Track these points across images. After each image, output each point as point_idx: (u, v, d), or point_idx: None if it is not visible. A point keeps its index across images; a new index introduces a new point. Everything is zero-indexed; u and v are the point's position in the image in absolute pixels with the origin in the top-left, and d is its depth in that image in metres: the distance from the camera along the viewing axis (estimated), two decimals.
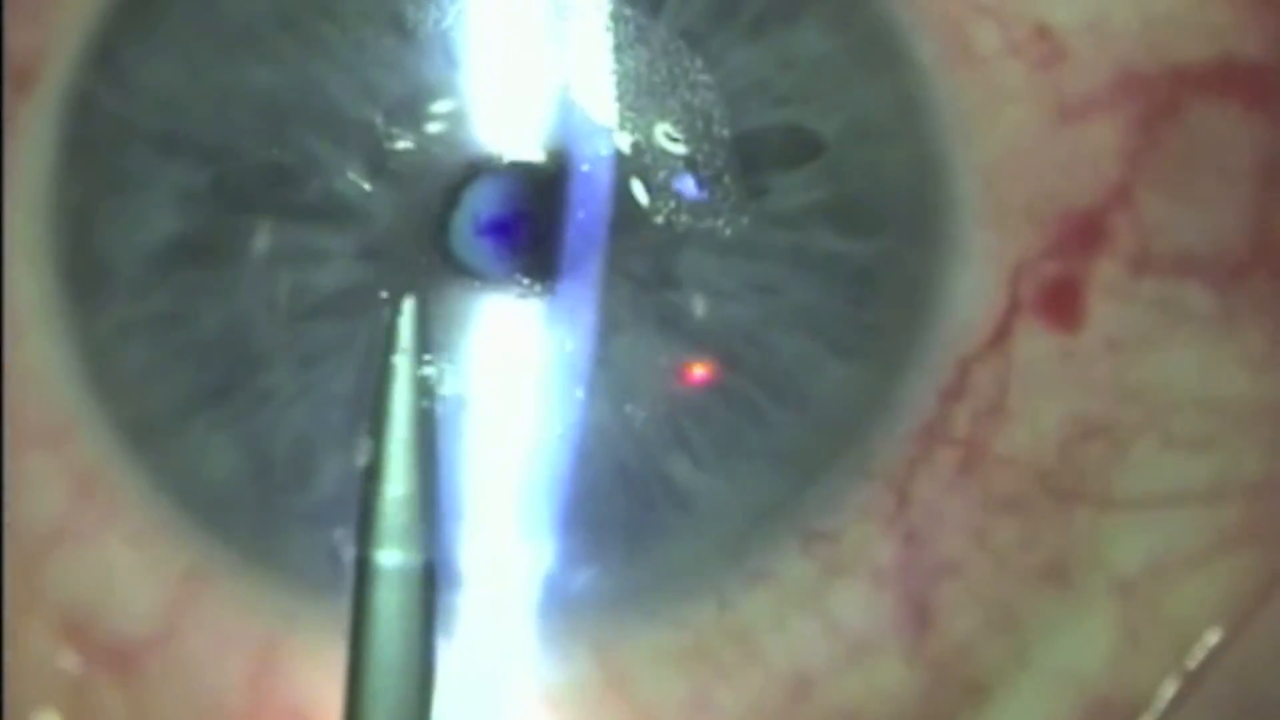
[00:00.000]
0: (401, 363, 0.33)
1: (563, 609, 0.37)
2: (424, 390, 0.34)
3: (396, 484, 0.33)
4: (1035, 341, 0.37)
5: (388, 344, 0.33)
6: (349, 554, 0.36)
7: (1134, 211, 0.36)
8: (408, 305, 0.32)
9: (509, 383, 0.37)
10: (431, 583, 0.33)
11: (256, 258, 0.37)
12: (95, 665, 0.37)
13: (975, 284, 0.37)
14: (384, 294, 0.36)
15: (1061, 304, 0.37)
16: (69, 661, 0.37)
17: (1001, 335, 0.37)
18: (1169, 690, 0.36)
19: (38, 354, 0.37)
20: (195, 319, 0.37)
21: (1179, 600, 0.37)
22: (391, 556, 0.32)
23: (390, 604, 0.32)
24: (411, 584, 0.32)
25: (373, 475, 0.33)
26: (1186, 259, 0.37)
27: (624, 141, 0.37)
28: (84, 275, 0.37)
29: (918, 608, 0.37)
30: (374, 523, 0.32)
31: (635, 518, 0.37)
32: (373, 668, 0.32)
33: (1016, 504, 0.37)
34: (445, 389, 0.36)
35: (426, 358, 0.34)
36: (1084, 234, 0.37)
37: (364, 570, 0.32)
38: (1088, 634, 0.37)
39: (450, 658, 0.36)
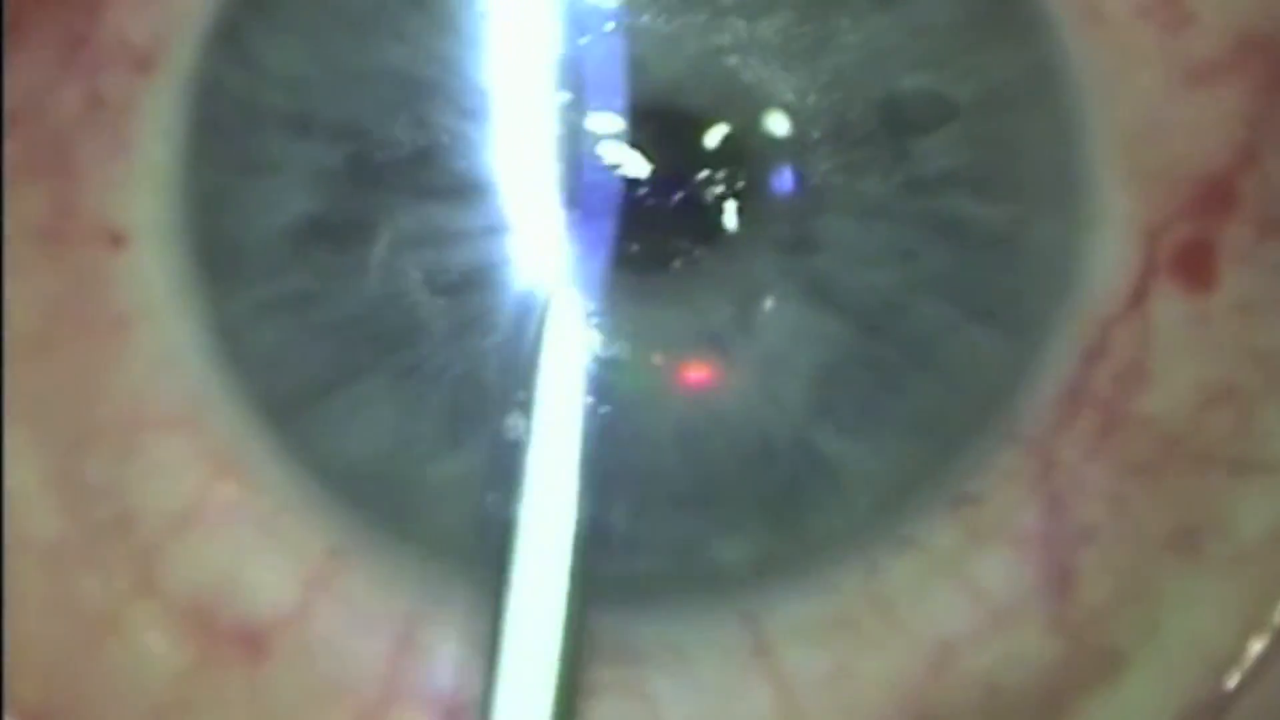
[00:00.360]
0: (553, 345, 0.33)
1: (710, 579, 0.37)
2: (575, 366, 0.34)
3: (547, 455, 0.33)
4: (1171, 304, 0.37)
5: (540, 324, 0.33)
6: (492, 528, 0.36)
7: (1261, 174, 0.36)
8: (558, 296, 0.32)
9: (652, 354, 0.36)
10: (582, 550, 0.32)
11: (391, 236, 0.37)
12: (222, 649, 0.37)
13: (1112, 247, 0.37)
14: (516, 277, 0.36)
15: (1195, 267, 0.37)
16: (188, 647, 0.37)
17: (1139, 298, 0.37)
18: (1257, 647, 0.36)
19: (171, 336, 0.37)
20: (330, 298, 0.37)
21: None
22: (543, 523, 0.32)
23: (539, 571, 0.32)
24: (562, 550, 0.32)
25: (524, 445, 0.33)
26: None
27: (761, 108, 0.36)
28: (217, 258, 0.37)
29: (1059, 574, 0.37)
30: (525, 490, 0.32)
31: (781, 487, 0.37)
32: (518, 635, 0.32)
33: (1152, 468, 0.37)
34: (587, 364, 0.36)
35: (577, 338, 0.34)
36: (1214, 197, 0.37)
37: (511, 536, 0.32)
38: (1217, 602, 0.37)
39: (594, 629, 0.36)
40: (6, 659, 0.36)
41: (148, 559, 0.37)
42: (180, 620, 0.37)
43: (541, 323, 0.34)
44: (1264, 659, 0.37)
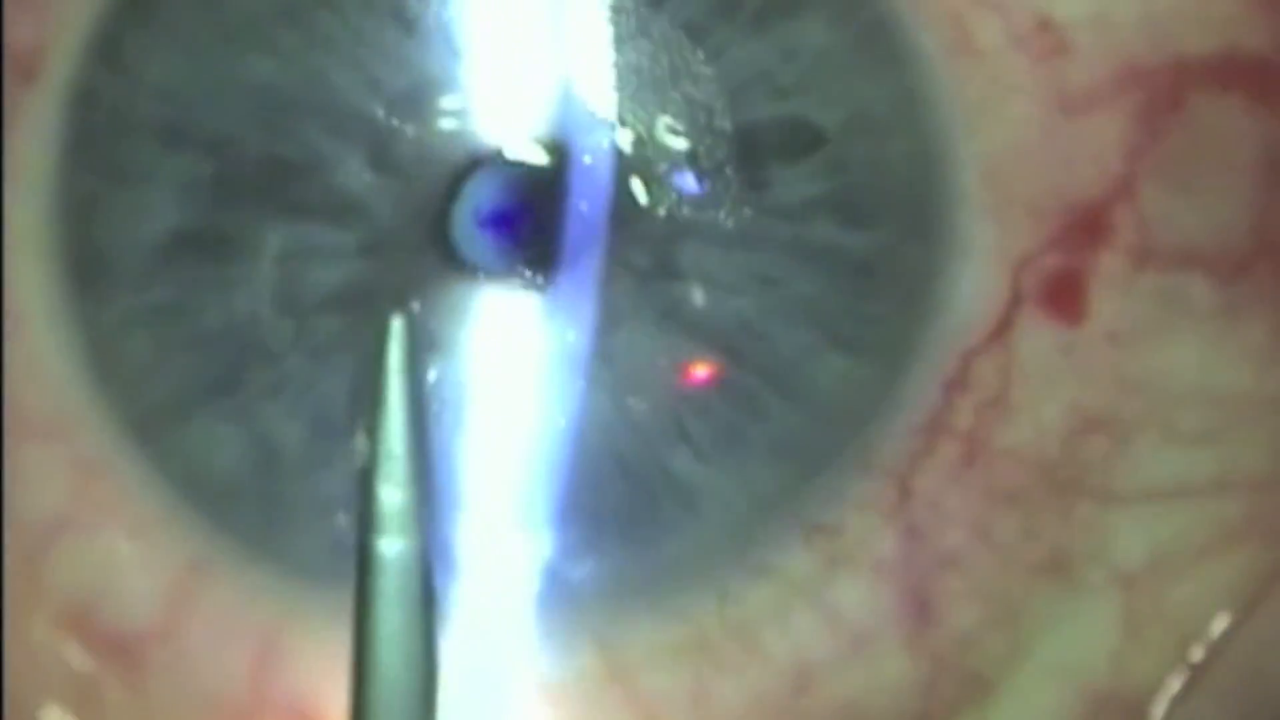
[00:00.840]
0: (394, 371, 0.33)
1: (564, 602, 0.37)
2: (420, 388, 0.34)
3: (394, 476, 0.33)
4: (1037, 335, 0.37)
5: (380, 351, 0.33)
6: (351, 545, 0.36)
7: (1136, 205, 0.36)
8: (397, 323, 0.32)
9: (510, 376, 0.37)
10: (430, 570, 0.33)
11: (260, 250, 0.37)
12: (98, 657, 0.37)
13: (977, 277, 0.37)
14: (383, 297, 0.36)
15: (1064, 297, 0.37)
16: (72, 653, 0.37)
17: (1004, 328, 0.37)
18: (1174, 684, 0.36)
19: (40, 345, 0.37)
20: (198, 311, 0.37)
21: (1182, 594, 0.37)
22: (392, 544, 0.32)
23: (391, 591, 0.32)
24: (411, 571, 0.32)
25: (370, 469, 0.33)
26: (1189, 252, 0.37)
27: (625, 134, 0.37)
28: (87, 267, 0.37)
29: (919, 600, 0.37)
30: (373, 512, 0.32)
31: (636, 511, 0.37)
32: (377, 658, 0.32)
33: (1018, 497, 0.37)
34: (446, 383, 0.36)
35: (424, 360, 0.34)
36: (1086, 227, 0.37)
37: (365, 558, 0.32)
38: (1090, 628, 0.37)
39: (450, 650, 0.36)
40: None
41: (30, 565, 0.37)
42: (64, 626, 0.38)
43: (393, 343, 0.34)
44: (1142, 684, 0.37)
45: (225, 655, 0.37)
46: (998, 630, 0.37)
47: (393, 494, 0.31)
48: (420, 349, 0.32)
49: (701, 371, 0.37)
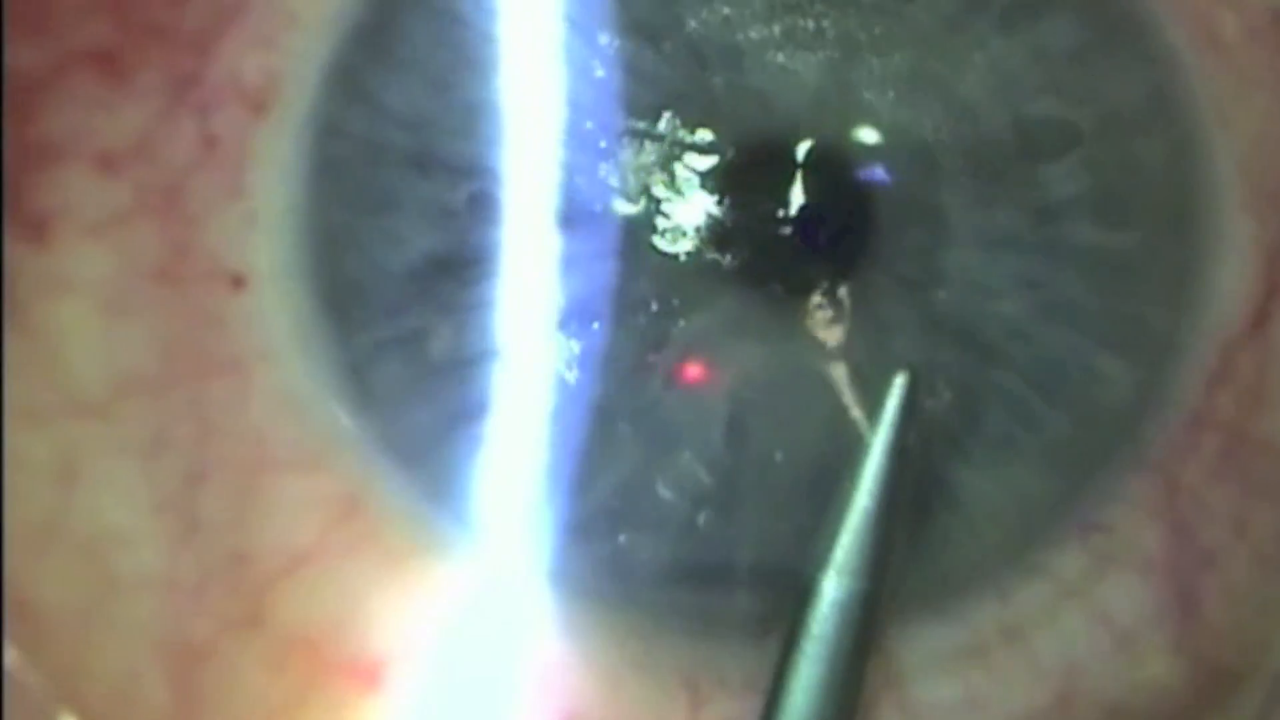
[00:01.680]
0: (887, 425, 0.33)
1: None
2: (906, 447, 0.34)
3: (858, 527, 0.33)
4: None
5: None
6: (623, 565, 0.36)
7: None
8: (900, 379, 0.33)
9: (783, 390, 0.37)
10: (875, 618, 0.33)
11: (514, 271, 0.37)
12: (334, 680, 0.37)
13: (1235, 270, 0.37)
14: (636, 309, 0.36)
15: None
16: (293, 678, 0.37)
17: (1262, 320, 0.37)
18: None
19: (295, 377, 0.37)
20: (452, 336, 0.37)
21: None
22: (839, 585, 0.33)
23: (828, 631, 0.33)
24: (854, 614, 0.33)
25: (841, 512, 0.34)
26: None
27: (883, 141, 0.37)
28: (339, 296, 0.37)
29: (1183, 598, 0.37)
30: (830, 549, 0.33)
31: (911, 519, 0.37)
32: (800, 692, 0.33)
33: (1272, 491, 0.37)
34: (721, 397, 0.36)
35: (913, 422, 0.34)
36: None
37: (809, 595, 0.33)
38: None
39: (722, 662, 0.36)
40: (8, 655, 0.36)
41: (259, 596, 0.38)
42: (288, 652, 0.38)
43: (893, 397, 0.34)
44: None
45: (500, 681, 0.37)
46: (1248, 626, 0.37)
47: (854, 540, 0.32)
48: (914, 411, 0.32)
49: (967, 378, 0.37)
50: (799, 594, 0.34)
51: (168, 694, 0.38)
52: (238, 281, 0.37)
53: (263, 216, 0.37)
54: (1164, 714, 0.37)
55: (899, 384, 0.33)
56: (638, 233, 0.37)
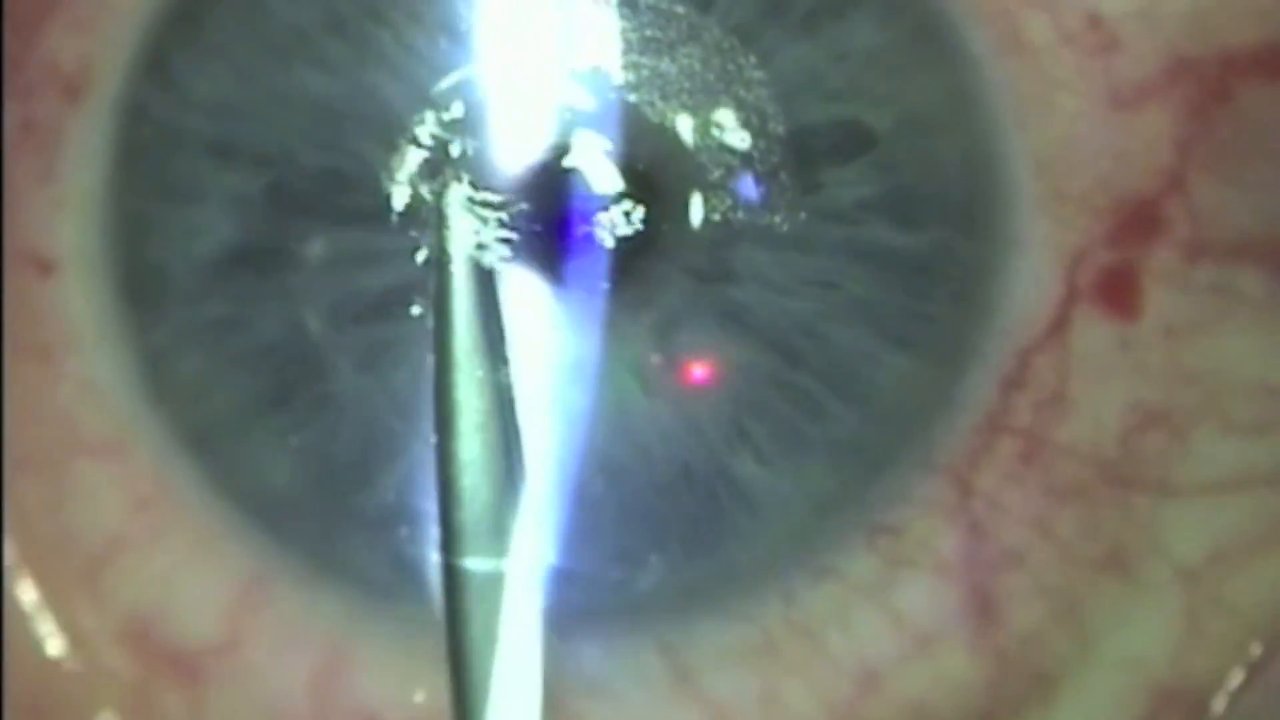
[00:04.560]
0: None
1: (629, 608, 0.37)
2: (496, 385, 0.34)
3: (462, 486, 0.33)
4: (1094, 330, 0.37)
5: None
6: (412, 556, 0.36)
7: (1188, 198, 0.36)
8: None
9: (568, 381, 0.36)
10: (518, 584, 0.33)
11: (311, 262, 0.37)
12: (157, 673, 0.37)
13: (1032, 274, 0.36)
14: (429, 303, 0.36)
15: (1119, 292, 0.36)
16: (129, 670, 0.37)
17: (1060, 325, 0.37)
18: (1236, 678, 0.36)
19: (95, 365, 0.37)
20: (252, 325, 0.37)
21: (1242, 586, 0.37)
22: (479, 563, 0.32)
23: (480, 610, 0.32)
24: (499, 588, 0.32)
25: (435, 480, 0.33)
26: (1242, 244, 0.36)
27: (679, 140, 0.36)
28: (140, 284, 0.37)
29: (982, 599, 0.37)
30: (457, 528, 0.32)
31: (699, 516, 0.37)
32: (473, 675, 0.32)
33: (1078, 493, 0.37)
34: (506, 391, 0.36)
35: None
36: (1139, 222, 0.36)
37: (452, 578, 0.32)
38: (1152, 623, 0.37)
39: (515, 660, 0.36)
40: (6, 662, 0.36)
41: (89, 581, 0.38)
42: (122, 642, 0.38)
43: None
44: (1205, 679, 0.37)
45: (286, 670, 0.37)
46: (1061, 627, 0.37)
47: (466, 505, 0.31)
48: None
49: (758, 375, 0.37)
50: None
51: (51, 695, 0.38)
52: (45, 267, 0.37)
53: (70, 202, 0.37)
54: (976, 712, 0.37)
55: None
56: (430, 228, 0.36)
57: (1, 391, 0.36)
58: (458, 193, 0.36)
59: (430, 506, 0.36)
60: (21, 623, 0.37)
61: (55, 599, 0.37)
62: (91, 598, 0.37)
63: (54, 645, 0.37)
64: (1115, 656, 0.37)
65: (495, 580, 0.32)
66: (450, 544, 0.32)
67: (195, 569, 0.37)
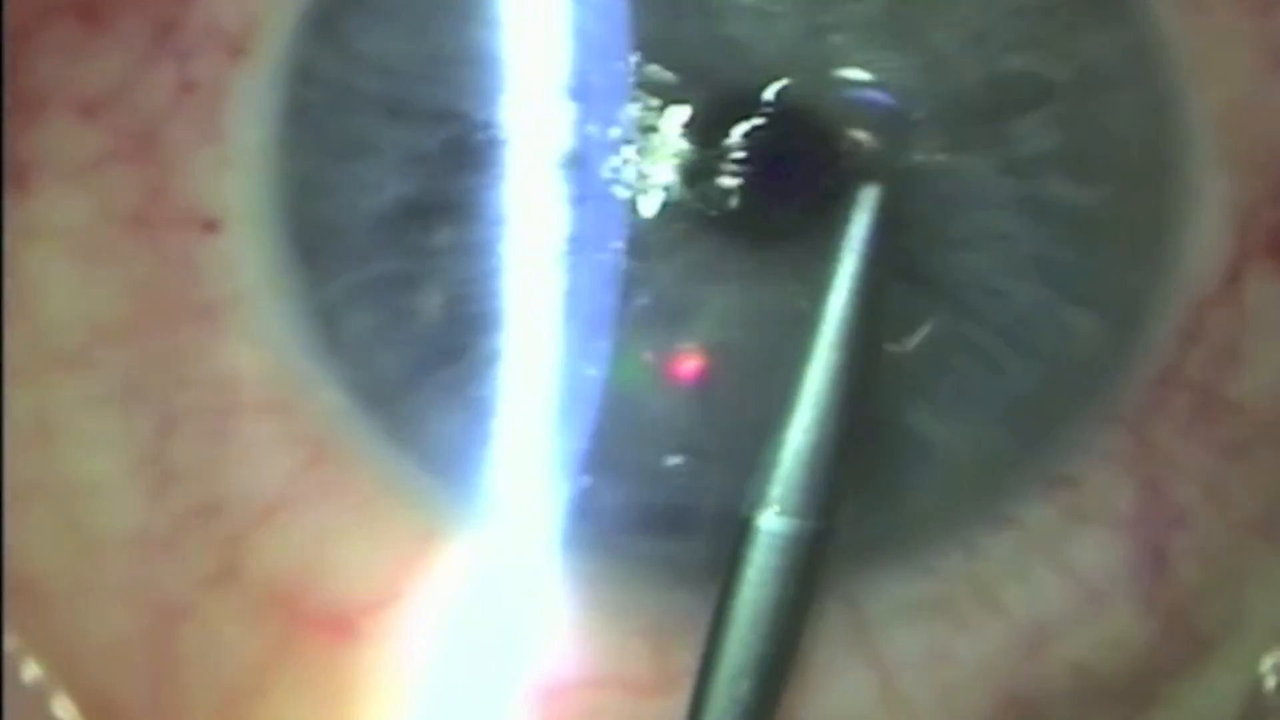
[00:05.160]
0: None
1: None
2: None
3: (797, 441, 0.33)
4: (1266, 287, 0.37)
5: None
6: (591, 509, 0.36)
7: None
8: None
9: (743, 336, 0.37)
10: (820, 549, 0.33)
11: (482, 217, 0.37)
12: (307, 633, 0.37)
13: (1207, 228, 0.37)
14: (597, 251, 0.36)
15: None
16: (270, 632, 0.37)
17: (1234, 279, 0.37)
18: None
19: (266, 321, 0.37)
20: (424, 281, 0.37)
21: None
22: (777, 522, 0.33)
23: (764, 572, 0.33)
24: (792, 550, 0.33)
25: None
26: None
27: (860, 89, 0.37)
28: (311, 241, 0.37)
29: (1153, 556, 0.37)
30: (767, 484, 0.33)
31: (880, 470, 0.37)
32: (736, 635, 0.32)
33: (1245, 451, 0.37)
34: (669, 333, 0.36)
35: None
36: None
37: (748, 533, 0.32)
38: None
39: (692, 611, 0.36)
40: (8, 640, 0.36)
41: (233, 546, 0.37)
42: (264, 605, 0.38)
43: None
44: None
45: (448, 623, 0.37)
46: (1219, 589, 0.37)
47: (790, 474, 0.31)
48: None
49: (936, 328, 0.37)
50: (738, 533, 0.34)
51: (149, 656, 0.37)
52: (210, 225, 0.37)
53: (237, 160, 0.37)
54: (1134, 674, 0.37)
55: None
56: (610, 179, 0.36)
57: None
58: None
59: (609, 454, 0.36)
60: (170, 592, 0.37)
61: (200, 565, 0.37)
62: (241, 562, 0.37)
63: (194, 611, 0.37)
64: (1268, 621, 0.37)
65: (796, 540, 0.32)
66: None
67: (362, 526, 0.37)
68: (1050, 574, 0.37)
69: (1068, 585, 0.37)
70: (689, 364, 0.37)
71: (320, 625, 0.38)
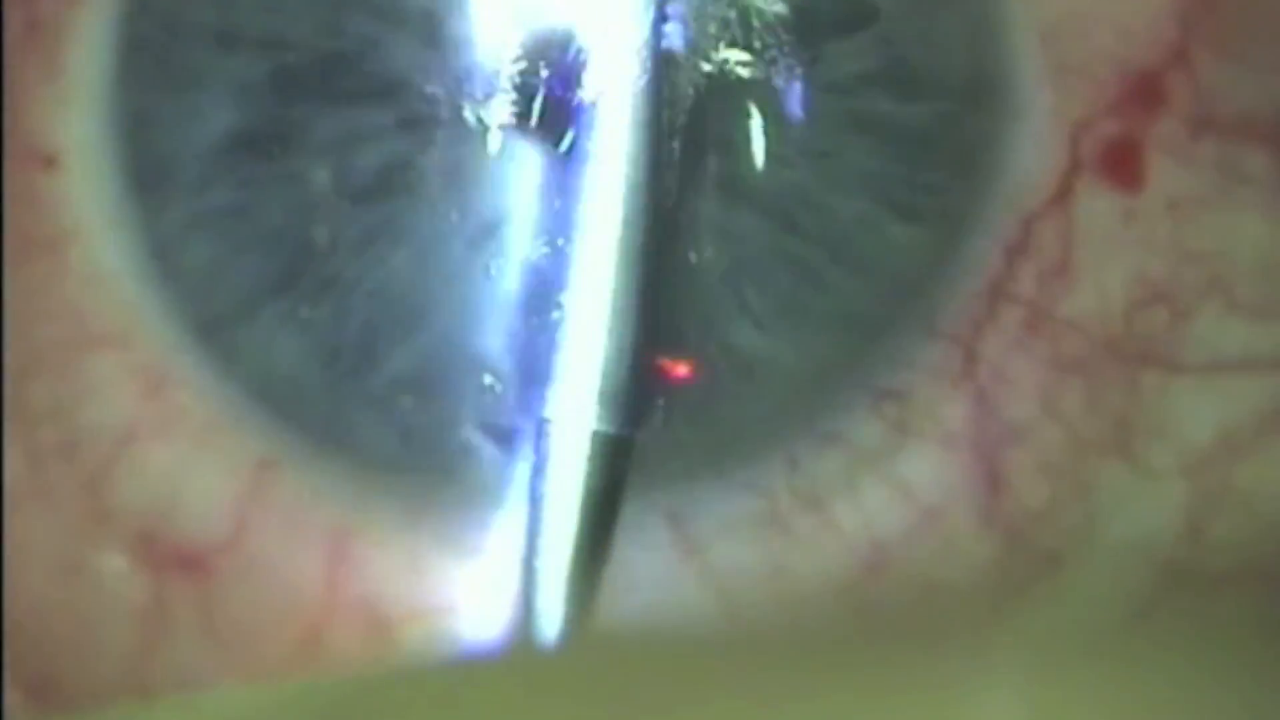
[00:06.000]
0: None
1: (633, 479, 0.37)
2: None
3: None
4: (1097, 200, 0.37)
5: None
6: (419, 435, 0.36)
7: (1192, 72, 0.36)
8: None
9: (566, 249, 0.37)
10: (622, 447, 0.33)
11: (315, 144, 0.37)
12: (169, 569, 0.37)
13: (1035, 142, 0.36)
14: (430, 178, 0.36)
15: (1122, 164, 0.36)
16: (142, 568, 0.37)
17: (1064, 193, 0.37)
18: (1245, 549, 0.36)
19: (102, 255, 0.37)
20: (257, 211, 0.37)
21: (1249, 469, 0.36)
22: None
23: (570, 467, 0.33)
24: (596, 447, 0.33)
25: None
26: (1246, 122, 0.36)
27: (678, 12, 0.36)
28: (145, 174, 0.37)
29: (989, 472, 0.37)
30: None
31: (700, 384, 0.37)
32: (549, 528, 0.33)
33: (1082, 368, 0.37)
34: (499, 259, 0.36)
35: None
36: (1142, 94, 0.36)
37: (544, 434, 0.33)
38: (1157, 502, 0.37)
39: (518, 532, 0.36)
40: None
41: (95, 483, 0.38)
42: (132, 544, 0.38)
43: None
44: (1210, 559, 0.37)
45: (297, 557, 0.37)
46: (1066, 505, 0.37)
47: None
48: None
49: (757, 243, 0.37)
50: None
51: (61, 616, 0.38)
52: (49, 161, 0.37)
53: (74, 96, 0.37)
54: (981, 590, 0.37)
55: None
56: (438, 103, 0.36)
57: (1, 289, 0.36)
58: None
59: (441, 380, 0.36)
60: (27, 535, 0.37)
61: (69, 507, 0.37)
62: (105, 499, 0.37)
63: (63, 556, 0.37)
64: (1120, 535, 0.37)
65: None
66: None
67: (203, 460, 0.37)
68: (882, 491, 0.37)
69: (902, 502, 0.37)
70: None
71: (180, 560, 0.38)
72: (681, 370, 0.37)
